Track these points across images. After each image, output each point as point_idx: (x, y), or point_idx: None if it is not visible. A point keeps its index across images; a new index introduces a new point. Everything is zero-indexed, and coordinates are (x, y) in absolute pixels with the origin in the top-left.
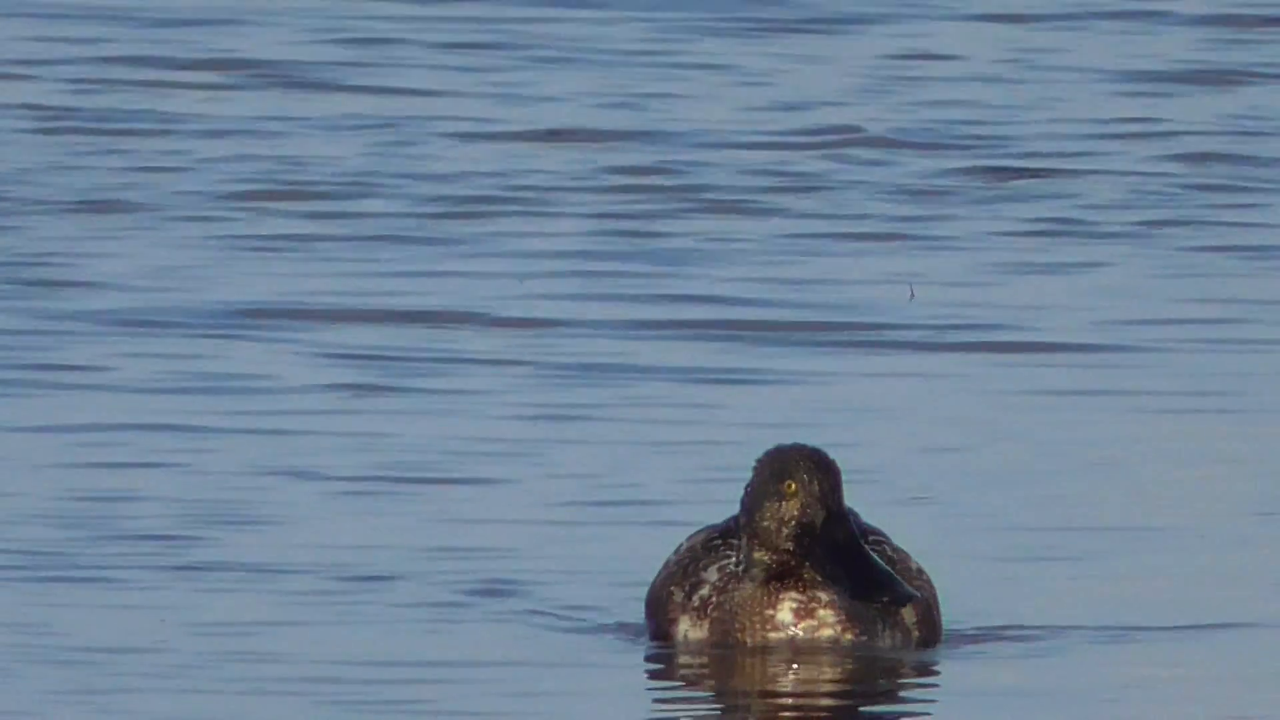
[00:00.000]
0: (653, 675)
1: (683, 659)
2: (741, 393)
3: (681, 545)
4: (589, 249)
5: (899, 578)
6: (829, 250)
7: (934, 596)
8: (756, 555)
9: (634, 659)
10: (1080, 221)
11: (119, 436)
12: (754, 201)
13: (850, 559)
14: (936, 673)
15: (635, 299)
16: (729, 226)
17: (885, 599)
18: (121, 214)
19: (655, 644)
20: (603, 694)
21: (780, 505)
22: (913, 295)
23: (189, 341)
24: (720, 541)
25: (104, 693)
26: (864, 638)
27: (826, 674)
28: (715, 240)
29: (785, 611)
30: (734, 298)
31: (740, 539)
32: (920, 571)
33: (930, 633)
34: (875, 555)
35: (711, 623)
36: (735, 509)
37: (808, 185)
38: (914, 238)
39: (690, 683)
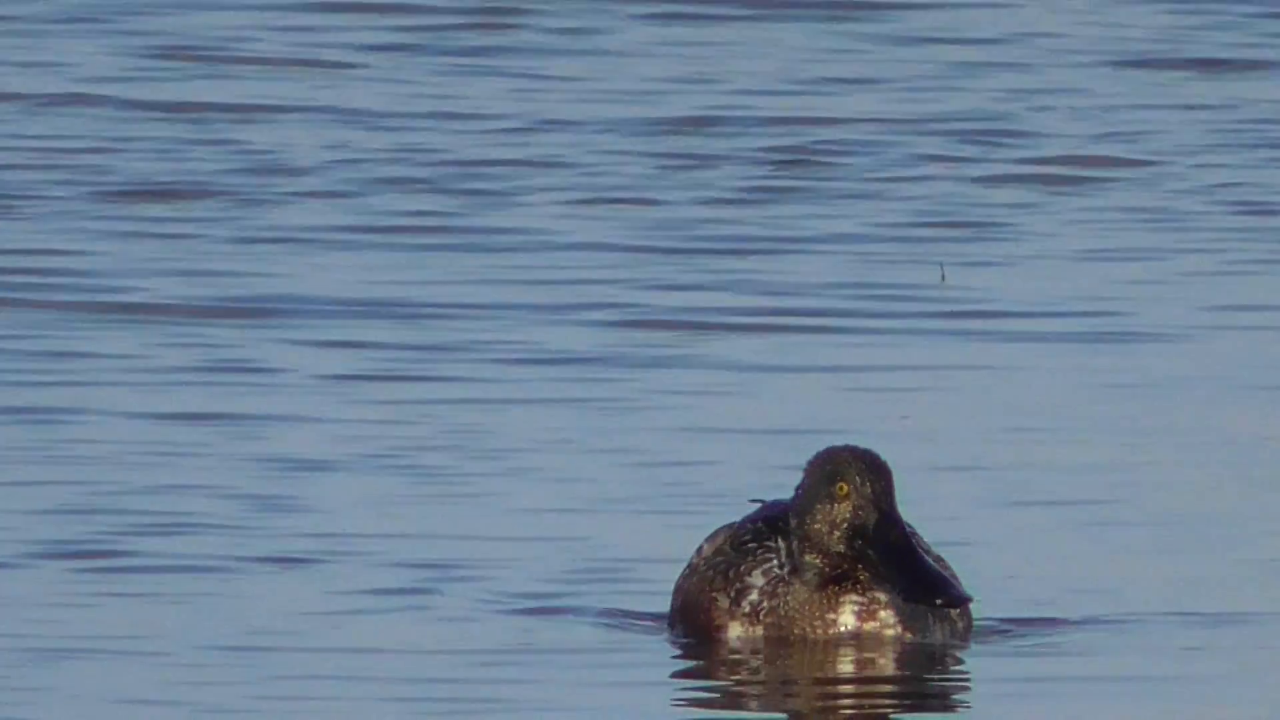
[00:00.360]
0: (705, 672)
1: (732, 655)
2: (793, 381)
3: (702, 547)
4: (631, 241)
5: (952, 580)
6: (916, 239)
7: None
8: (808, 559)
9: (679, 654)
10: (1162, 208)
11: (146, 427)
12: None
13: (903, 561)
14: (1006, 664)
15: (688, 288)
16: (779, 213)
17: (939, 602)
18: (138, 202)
19: (696, 640)
20: (653, 688)
21: (832, 507)
22: (944, 277)
23: (213, 332)
24: (754, 543)
25: (129, 689)
26: (921, 636)
27: (886, 668)
28: (764, 227)
29: (847, 614)
30: (787, 287)
31: (790, 541)
32: (940, 560)
33: (969, 623)
34: (924, 559)
35: (766, 628)
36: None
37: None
38: (985, 225)
39: (746, 678)
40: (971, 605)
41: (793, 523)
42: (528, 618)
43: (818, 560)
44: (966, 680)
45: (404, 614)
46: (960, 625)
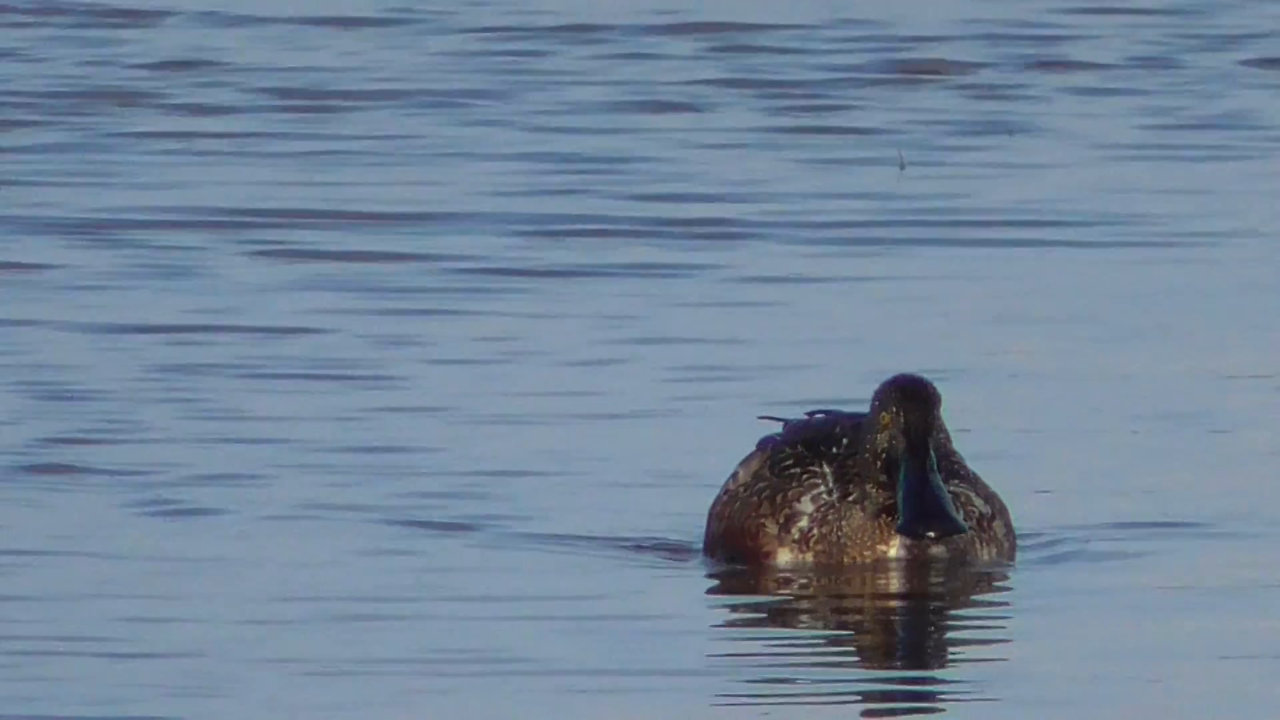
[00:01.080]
0: (758, 598)
1: (784, 579)
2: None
3: (738, 472)
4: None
5: (951, 510)
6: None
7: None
8: (868, 487)
9: (725, 584)
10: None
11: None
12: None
13: (909, 492)
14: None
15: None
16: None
17: (931, 534)
18: (84, 114)
19: (744, 566)
20: (698, 613)
21: (876, 438)
22: (903, 166)
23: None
24: (797, 467)
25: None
26: (968, 561)
27: (933, 594)
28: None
29: (898, 549)
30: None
31: (834, 466)
32: (993, 496)
33: (1013, 544)
34: (939, 487)
35: (815, 555)
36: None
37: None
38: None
39: (795, 607)
40: (1010, 519)
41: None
42: (552, 544)
43: (874, 490)
44: (1009, 597)
45: (434, 538)
46: (1006, 546)
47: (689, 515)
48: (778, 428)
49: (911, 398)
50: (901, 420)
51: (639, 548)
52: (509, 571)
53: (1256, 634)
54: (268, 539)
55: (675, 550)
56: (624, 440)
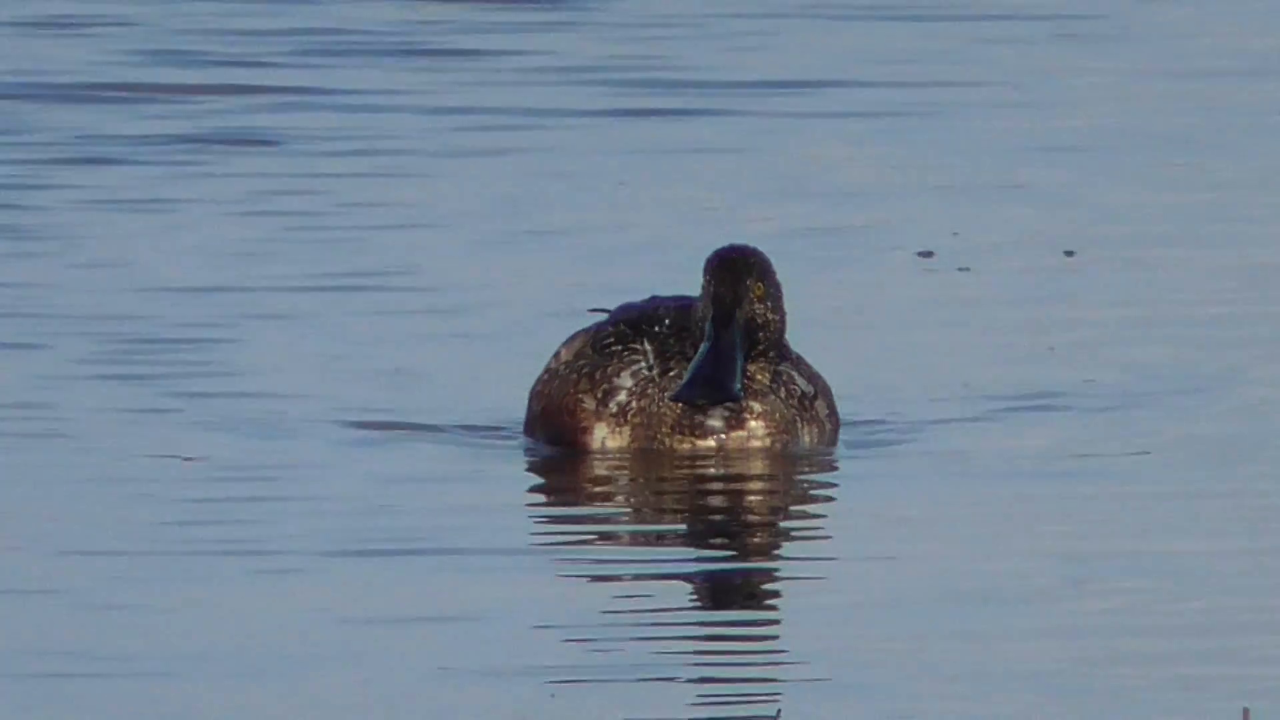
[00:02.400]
0: (578, 480)
1: (603, 464)
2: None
3: (559, 351)
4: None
5: (728, 379)
6: None
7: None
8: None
9: (544, 466)
10: None
11: None
12: None
13: (698, 362)
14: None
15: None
16: None
17: (701, 401)
18: None
19: (561, 450)
20: (509, 500)
21: (699, 307)
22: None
23: None
24: (618, 345)
25: None
26: (788, 437)
27: (749, 473)
28: None
29: (716, 419)
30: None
31: (657, 343)
32: (816, 377)
33: (836, 425)
34: (727, 356)
35: (633, 429)
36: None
37: None
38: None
39: (615, 486)
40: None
41: None
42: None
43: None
44: (834, 479)
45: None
46: (829, 428)
47: (504, 400)
48: (604, 318)
49: (724, 268)
50: (711, 290)
51: (456, 432)
52: (330, 459)
53: (1073, 505)
54: None
55: (492, 433)
56: (421, 326)
